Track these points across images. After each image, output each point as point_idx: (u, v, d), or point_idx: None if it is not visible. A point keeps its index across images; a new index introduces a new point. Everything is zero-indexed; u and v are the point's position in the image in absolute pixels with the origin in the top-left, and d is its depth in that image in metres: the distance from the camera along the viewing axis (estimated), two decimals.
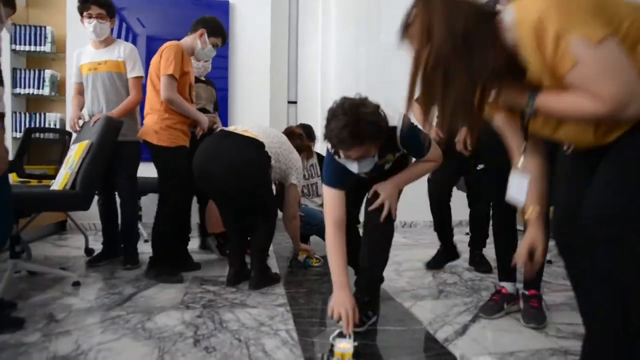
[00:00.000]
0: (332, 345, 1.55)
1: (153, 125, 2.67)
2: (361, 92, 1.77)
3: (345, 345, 1.52)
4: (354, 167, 1.82)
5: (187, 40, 2.79)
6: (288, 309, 2.15)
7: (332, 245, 1.84)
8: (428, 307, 2.20)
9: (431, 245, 3.81)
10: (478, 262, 3.04)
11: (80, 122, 2.98)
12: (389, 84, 3.46)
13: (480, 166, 3.61)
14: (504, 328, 1.94)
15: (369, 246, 2.00)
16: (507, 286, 2.12)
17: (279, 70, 4.92)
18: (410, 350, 1.73)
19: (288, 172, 2.79)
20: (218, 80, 4.47)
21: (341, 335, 1.59)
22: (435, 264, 3.03)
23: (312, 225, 3.53)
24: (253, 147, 2.53)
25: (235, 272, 2.58)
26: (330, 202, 1.90)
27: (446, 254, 3.07)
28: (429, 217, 4.92)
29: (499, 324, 2.00)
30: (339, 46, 4.92)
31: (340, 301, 1.73)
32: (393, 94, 1.85)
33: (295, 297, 2.34)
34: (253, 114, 4.55)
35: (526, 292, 2.04)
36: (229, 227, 2.66)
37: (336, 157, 1.87)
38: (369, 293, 1.99)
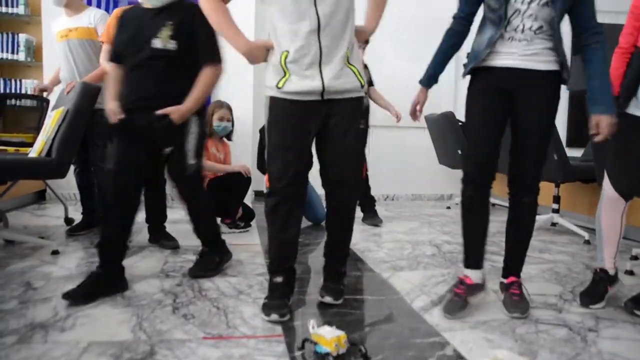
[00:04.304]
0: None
1: None
2: None
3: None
4: None
5: None
6: (267, 279, 2.16)
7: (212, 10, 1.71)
8: (406, 278, 2.25)
9: (411, 218, 3.87)
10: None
11: (57, 88, 2.91)
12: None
13: None
14: (479, 298, 1.99)
15: (340, 224, 1.92)
16: (473, 275, 1.86)
17: (264, 36, 4.80)
18: (387, 319, 1.77)
19: None
20: None
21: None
22: None
23: None
24: None
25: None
26: None
27: None
28: (410, 190, 4.99)
29: None
30: None
31: (251, 49, 1.71)
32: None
33: None
34: (237, 82, 4.43)
35: (504, 280, 1.89)
36: None
37: None
38: (343, 264, 1.98)
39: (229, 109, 3.33)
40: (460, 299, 1.80)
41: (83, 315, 1.69)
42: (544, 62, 1.73)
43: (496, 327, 1.68)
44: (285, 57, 1.64)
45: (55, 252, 2.49)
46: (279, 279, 1.79)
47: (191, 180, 2.15)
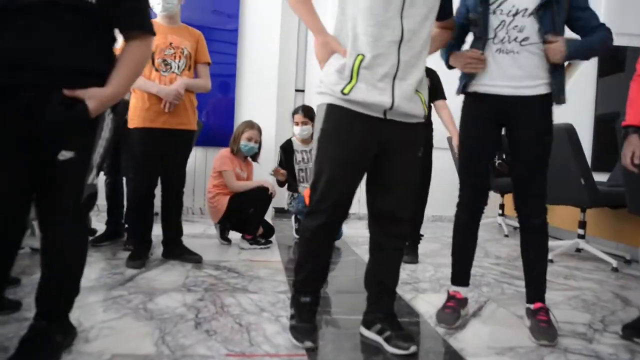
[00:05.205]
0: None
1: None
2: None
3: None
4: None
5: None
6: (289, 296, 2.14)
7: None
8: (429, 300, 2.21)
9: (432, 240, 3.83)
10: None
11: None
12: None
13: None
14: (504, 323, 1.95)
15: (388, 264, 1.78)
16: (462, 290, 1.98)
17: (288, 58, 4.90)
18: None
19: None
20: (226, 66, 4.48)
21: None
22: None
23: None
24: None
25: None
26: None
27: None
28: (432, 212, 4.96)
29: (499, 319, 2.00)
30: None
31: (326, 43, 1.62)
32: None
33: None
34: (260, 102, 4.53)
35: (531, 307, 1.85)
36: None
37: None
38: (393, 303, 1.80)
39: (259, 130, 3.37)
40: (454, 312, 1.90)
41: (106, 326, 1.69)
42: (533, 87, 1.78)
43: (523, 354, 1.64)
44: (361, 61, 1.52)
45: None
46: (306, 299, 1.72)
47: (81, 212, 1.46)
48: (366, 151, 1.60)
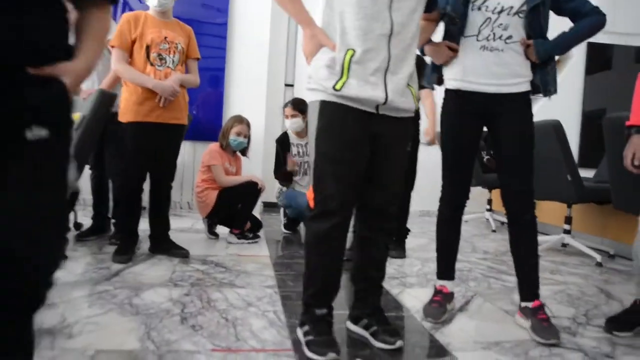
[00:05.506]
0: None
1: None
2: None
3: None
4: None
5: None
6: (276, 291, 2.15)
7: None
8: (416, 295, 2.22)
9: (420, 235, 3.85)
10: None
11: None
12: None
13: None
14: (490, 318, 1.96)
15: (375, 260, 1.76)
16: (448, 285, 1.99)
17: (278, 53, 4.87)
18: None
19: None
20: (216, 60, 4.44)
21: None
22: None
23: (294, 209, 3.53)
24: None
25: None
26: None
27: None
28: (419, 207, 5.00)
29: (486, 313, 2.01)
30: None
31: (314, 36, 1.56)
32: None
33: (284, 280, 2.34)
34: (250, 96, 4.51)
35: (529, 305, 1.82)
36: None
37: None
38: (380, 298, 1.78)
39: (248, 125, 3.36)
40: (441, 306, 1.91)
41: (90, 322, 1.67)
42: (515, 85, 1.79)
43: (509, 348, 1.65)
44: (351, 56, 1.48)
45: (63, 257, 2.48)
46: (322, 311, 1.59)
47: (63, 217, 1.27)
48: (361, 146, 1.56)
